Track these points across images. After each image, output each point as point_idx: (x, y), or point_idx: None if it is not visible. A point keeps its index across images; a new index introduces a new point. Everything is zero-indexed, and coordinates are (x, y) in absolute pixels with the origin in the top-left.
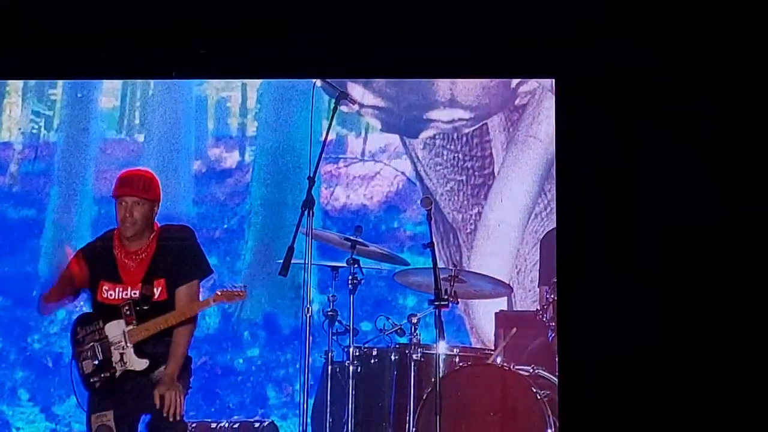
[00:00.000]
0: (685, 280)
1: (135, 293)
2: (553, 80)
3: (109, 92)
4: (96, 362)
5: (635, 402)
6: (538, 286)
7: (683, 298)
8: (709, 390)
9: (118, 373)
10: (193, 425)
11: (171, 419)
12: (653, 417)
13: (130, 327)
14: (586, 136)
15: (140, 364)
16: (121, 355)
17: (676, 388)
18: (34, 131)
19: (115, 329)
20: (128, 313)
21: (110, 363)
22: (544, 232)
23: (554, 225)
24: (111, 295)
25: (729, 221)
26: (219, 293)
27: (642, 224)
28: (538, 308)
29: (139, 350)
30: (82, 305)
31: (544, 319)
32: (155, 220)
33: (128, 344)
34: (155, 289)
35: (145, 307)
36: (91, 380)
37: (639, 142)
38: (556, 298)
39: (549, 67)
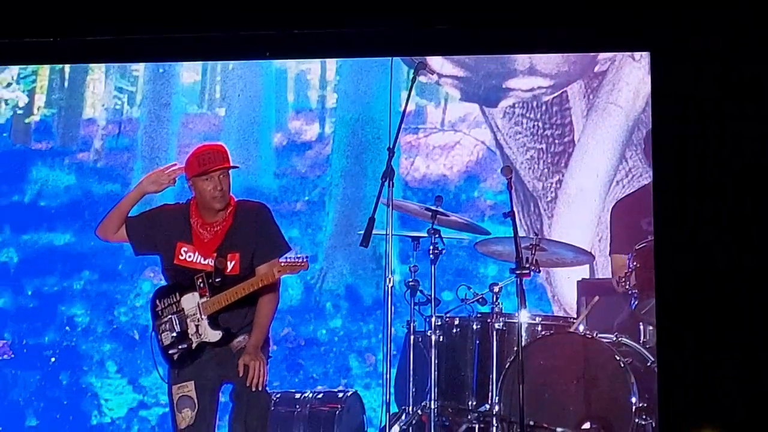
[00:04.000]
0: None
1: (210, 262)
2: (648, 53)
3: (190, 67)
4: (174, 334)
5: (736, 368)
6: (610, 255)
7: None
8: None
9: (194, 345)
10: (278, 395)
11: (254, 389)
12: (758, 383)
13: (204, 299)
14: (682, 108)
15: (214, 335)
16: (197, 327)
17: None
18: (118, 107)
19: (190, 301)
20: (201, 285)
21: (187, 335)
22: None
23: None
24: (189, 257)
25: None
26: (282, 264)
27: (740, 189)
28: (618, 277)
29: (214, 322)
30: (161, 279)
31: (627, 287)
32: (231, 194)
33: (203, 316)
34: (228, 263)
35: (218, 280)
36: (170, 352)
37: (733, 114)
38: (639, 265)
39: (644, 40)
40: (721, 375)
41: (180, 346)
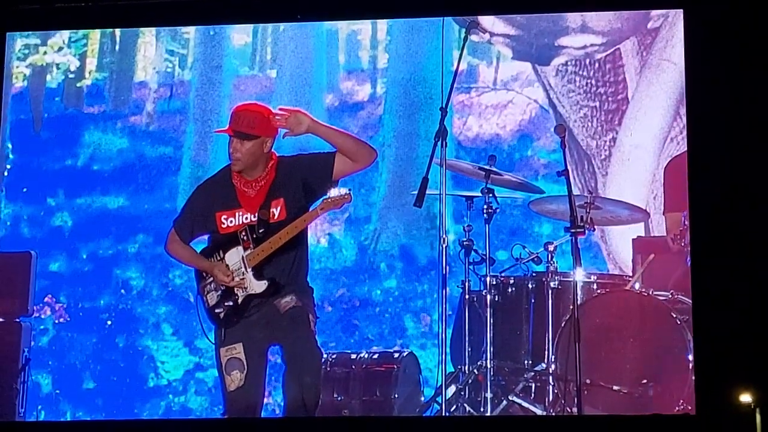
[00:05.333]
0: None
1: (253, 218)
2: (682, 11)
3: (240, 29)
4: (219, 292)
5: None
6: (663, 214)
7: None
8: None
9: (240, 300)
10: (334, 356)
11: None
12: None
13: (248, 251)
14: (716, 65)
15: (260, 286)
16: (242, 280)
17: None
18: (169, 70)
19: (234, 256)
20: (245, 238)
21: (232, 291)
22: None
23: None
24: (231, 222)
25: None
26: (327, 200)
27: None
28: (674, 234)
29: (258, 273)
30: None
31: (682, 244)
32: (272, 150)
33: (247, 269)
34: (274, 210)
35: (261, 231)
36: (216, 311)
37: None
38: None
39: None
40: (758, 336)
41: (226, 304)
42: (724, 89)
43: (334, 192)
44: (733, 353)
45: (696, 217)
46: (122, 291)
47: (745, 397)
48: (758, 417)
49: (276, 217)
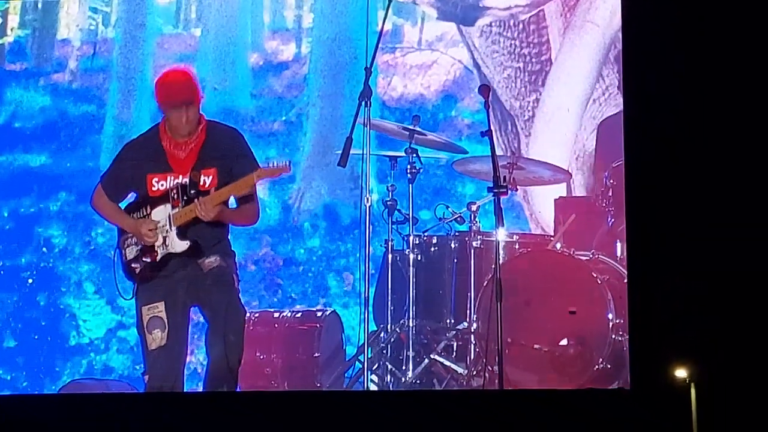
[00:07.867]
0: (755, 159)
1: (185, 181)
2: None
3: None
4: (139, 247)
5: (705, 283)
6: (594, 174)
7: (754, 177)
8: None
9: (158, 257)
10: (256, 315)
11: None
12: (725, 297)
13: (176, 210)
14: (652, 21)
15: (181, 246)
16: (164, 238)
17: (748, 264)
18: (92, 28)
19: (161, 213)
20: (175, 197)
21: (152, 247)
22: (603, 118)
23: (613, 110)
24: (162, 185)
25: None
26: (265, 169)
27: (709, 107)
28: (596, 194)
29: (182, 233)
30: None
31: (603, 204)
32: (200, 113)
33: (172, 227)
34: (206, 178)
35: (192, 192)
36: (132, 266)
37: (705, 29)
38: (615, 183)
39: None
40: (694, 310)
41: (143, 260)
42: (660, 46)
43: (271, 161)
44: (668, 328)
45: (632, 180)
46: (44, 249)
47: (681, 372)
48: (693, 392)
49: (207, 185)
